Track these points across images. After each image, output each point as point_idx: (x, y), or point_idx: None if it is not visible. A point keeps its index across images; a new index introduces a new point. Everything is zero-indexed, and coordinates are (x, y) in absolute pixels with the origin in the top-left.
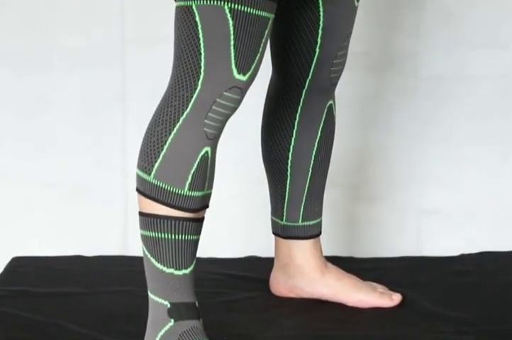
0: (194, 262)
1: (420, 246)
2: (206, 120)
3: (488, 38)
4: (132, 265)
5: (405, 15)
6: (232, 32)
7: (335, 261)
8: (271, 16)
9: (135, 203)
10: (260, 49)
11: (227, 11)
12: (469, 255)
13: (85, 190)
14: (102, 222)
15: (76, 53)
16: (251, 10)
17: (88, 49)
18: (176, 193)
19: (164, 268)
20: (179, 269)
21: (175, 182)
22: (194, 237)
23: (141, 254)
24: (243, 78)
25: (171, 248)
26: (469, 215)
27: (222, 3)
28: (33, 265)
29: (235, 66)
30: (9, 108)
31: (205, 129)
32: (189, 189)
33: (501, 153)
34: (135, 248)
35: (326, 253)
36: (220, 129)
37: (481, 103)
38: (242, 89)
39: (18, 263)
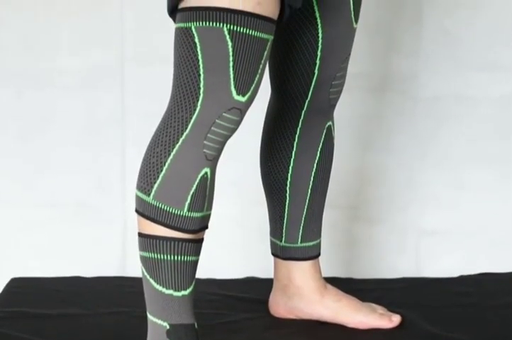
0: (193, 283)
1: (419, 267)
2: (205, 141)
3: (486, 60)
4: (131, 286)
5: (405, 36)
6: (231, 53)
7: (335, 282)
8: (271, 38)
9: (134, 224)
10: (259, 70)
11: (226, 33)
12: (469, 276)
13: (84, 210)
14: (101, 242)
15: (76, 73)
16: (250, 32)
17: (88, 70)
18: (176, 214)
19: (164, 290)
20: (178, 290)
21: (174, 203)
22: (193, 258)
23: (140, 275)
24: (242, 99)
25: (170, 270)
26: (469, 236)
27: (221, 24)
28: (32, 286)
29: (235, 87)
30: (9, 128)
31: (204, 150)
32: (189, 210)
33: (500, 174)
34: (134, 269)
35: (325, 274)
36: (219, 150)
37: (480, 124)
38: (242, 110)
39: (16, 284)
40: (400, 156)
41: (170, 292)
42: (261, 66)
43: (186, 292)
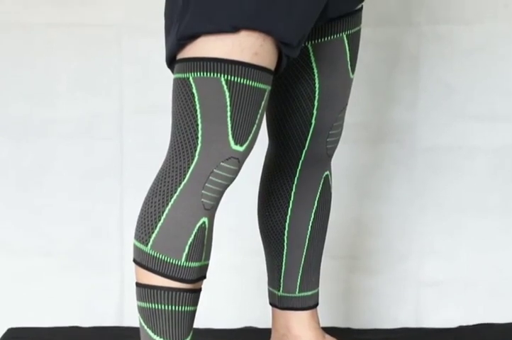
0: (191, 334)
1: (418, 318)
2: (203, 191)
3: (484, 110)
4: (129, 336)
5: (402, 87)
6: (228, 103)
7: (333, 332)
8: (268, 88)
9: (132, 273)
10: (257, 120)
11: (223, 83)
12: (467, 327)
13: (82, 260)
14: (99, 292)
15: (75, 122)
16: (247, 82)
17: (87, 119)
18: (173, 264)
19: None
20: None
21: (172, 253)
22: (191, 308)
23: (138, 325)
24: (240, 148)
25: (167, 320)
26: (468, 286)
27: (218, 75)
28: (29, 337)
29: (233, 137)
30: (7, 175)
31: (202, 199)
32: (186, 260)
33: (499, 223)
34: (132, 318)
35: (324, 323)
36: (217, 200)
37: (478, 174)
38: (239, 159)
39: (14, 335)
40: (398, 206)
41: None
42: (258, 116)
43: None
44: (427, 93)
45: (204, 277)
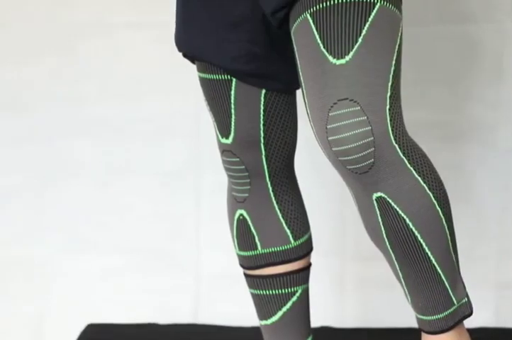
0: (273, 317)
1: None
2: (232, 185)
3: None
4: (202, 333)
5: (484, 86)
6: (205, 98)
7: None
8: (215, 76)
9: (208, 271)
10: (233, 110)
11: (199, 78)
12: None
13: (159, 258)
14: (175, 290)
15: (152, 122)
16: (200, 74)
17: (164, 118)
18: (236, 253)
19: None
20: (260, 319)
21: (234, 244)
22: (256, 291)
23: (212, 322)
24: (228, 141)
25: (253, 301)
26: None
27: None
28: (108, 332)
29: (218, 130)
30: (88, 176)
31: (233, 193)
32: (239, 249)
33: None
34: (206, 315)
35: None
36: (246, 192)
37: None
38: (233, 151)
39: (93, 330)
40: (478, 208)
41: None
42: (233, 106)
43: (267, 322)
44: (510, 92)
45: (267, 265)
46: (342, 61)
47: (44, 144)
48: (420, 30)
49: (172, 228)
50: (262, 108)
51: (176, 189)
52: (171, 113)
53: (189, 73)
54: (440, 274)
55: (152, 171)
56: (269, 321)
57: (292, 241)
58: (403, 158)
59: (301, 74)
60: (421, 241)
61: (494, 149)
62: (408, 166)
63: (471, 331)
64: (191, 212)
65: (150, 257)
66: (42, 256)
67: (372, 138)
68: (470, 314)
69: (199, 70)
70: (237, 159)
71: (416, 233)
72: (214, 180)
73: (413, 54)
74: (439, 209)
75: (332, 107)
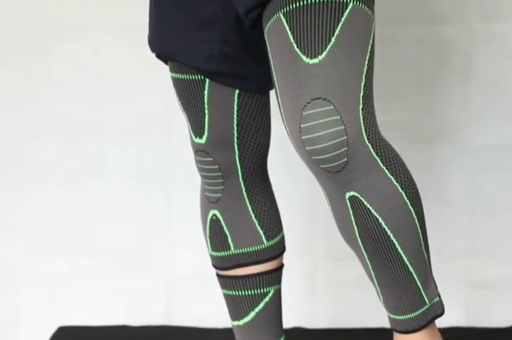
0: (245, 318)
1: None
2: (204, 185)
3: None
4: (175, 334)
5: (453, 86)
6: (178, 98)
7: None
8: (185, 76)
9: (179, 272)
10: (206, 110)
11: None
12: None
13: (129, 259)
14: (146, 291)
15: (124, 122)
16: (173, 75)
17: (136, 119)
18: (209, 253)
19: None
20: (232, 320)
21: (206, 244)
22: (228, 292)
23: (184, 324)
24: (201, 141)
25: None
26: None
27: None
28: (79, 335)
29: (192, 130)
30: (57, 176)
31: (206, 193)
32: (212, 250)
33: None
34: (179, 317)
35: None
36: (219, 192)
37: None
38: (206, 151)
39: (63, 333)
40: (449, 207)
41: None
42: (206, 106)
43: (240, 323)
44: (479, 93)
45: (239, 265)
46: (316, 60)
47: (13, 145)
48: (391, 30)
49: (144, 229)
50: (235, 108)
51: (148, 190)
52: (143, 114)
53: (161, 74)
54: (412, 273)
55: (123, 171)
56: (241, 322)
57: (265, 241)
58: (376, 157)
59: (274, 73)
60: (394, 240)
61: (464, 149)
62: (381, 165)
63: (443, 331)
64: (162, 212)
65: (121, 258)
66: (11, 259)
67: (345, 137)
68: (442, 313)
69: (172, 70)
70: (211, 159)
71: (389, 232)
72: (185, 181)
73: (384, 54)
74: (411, 208)
75: (305, 106)
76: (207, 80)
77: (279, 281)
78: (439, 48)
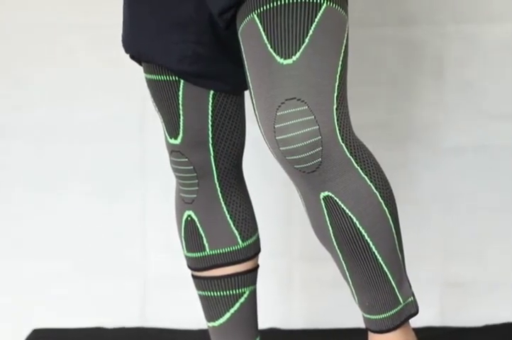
0: (221, 319)
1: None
2: (180, 186)
3: (509, 110)
4: (150, 336)
5: (426, 87)
6: (153, 99)
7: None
8: (159, 77)
9: (154, 274)
10: (181, 111)
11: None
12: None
13: (104, 262)
14: (121, 293)
15: (95, 125)
16: (147, 76)
17: (108, 122)
18: (184, 254)
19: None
20: (208, 321)
21: (181, 245)
22: (203, 293)
23: (159, 325)
24: (176, 142)
25: (201, 303)
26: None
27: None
28: (54, 338)
29: (167, 131)
30: (27, 179)
31: (181, 194)
32: (187, 251)
33: None
34: (154, 319)
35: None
36: (194, 193)
37: (503, 174)
38: (181, 152)
39: (39, 336)
40: (422, 207)
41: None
42: (181, 107)
43: (215, 324)
44: (451, 93)
45: (215, 266)
46: (289, 61)
47: None
48: (364, 31)
49: (118, 231)
50: (210, 108)
51: (122, 192)
52: (116, 116)
53: (135, 75)
54: (386, 273)
55: (97, 173)
56: (216, 323)
57: (240, 242)
58: (350, 157)
59: (248, 74)
60: (368, 240)
61: (436, 149)
62: (355, 165)
63: (417, 331)
64: (137, 214)
65: (96, 260)
66: None
67: (320, 137)
68: (416, 313)
69: (146, 71)
70: (186, 160)
71: (363, 232)
72: (160, 182)
73: (357, 55)
74: (385, 208)
75: (279, 106)
76: (181, 81)
77: (254, 282)
78: (411, 49)
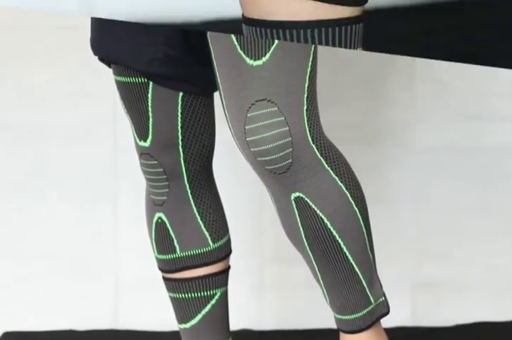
0: (192, 321)
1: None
2: (149, 188)
3: (480, 110)
4: (122, 339)
5: (399, 88)
6: (122, 101)
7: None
8: (135, 80)
9: (126, 276)
10: (150, 113)
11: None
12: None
13: (76, 263)
14: (93, 295)
15: (68, 127)
16: (116, 78)
17: (80, 124)
18: (155, 256)
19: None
20: (179, 323)
21: (152, 247)
22: (175, 295)
23: (132, 328)
24: (145, 144)
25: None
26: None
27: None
28: None
29: (136, 133)
30: (0, 180)
31: (151, 196)
32: (157, 253)
33: (496, 224)
34: (126, 321)
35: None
36: (164, 195)
37: (475, 174)
38: (151, 154)
39: (9, 338)
40: (394, 208)
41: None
42: (150, 109)
43: (186, 326)
44: (424, 94)
45: (185, 268)
46: (259, 62)
47: None
48: None
49: (90, 233)
50: (179, 110)
51: (94, 194)
52: (87, 118)
53: (105, 77)
54: (357, 273)
55: (69, 175)
56: (188, 325)
57: (211, 243)
58: (321, 158)
59: (218, 75)
60: (339, 240)
61: (409, 149)
62: (326, 166)
63: (389, 331)
64: (108, 216)
65: (67, 262)
66: None
67: (290, 138)
68: (387, 313)
69: (115, 73)
70: (155, 162)
71: (334, 233)
72: (132, 184)
73: (328, 55)
74: (356, 209)
75: (250, 108)
76: (151, 83)
77: (225, 283)
78: None
